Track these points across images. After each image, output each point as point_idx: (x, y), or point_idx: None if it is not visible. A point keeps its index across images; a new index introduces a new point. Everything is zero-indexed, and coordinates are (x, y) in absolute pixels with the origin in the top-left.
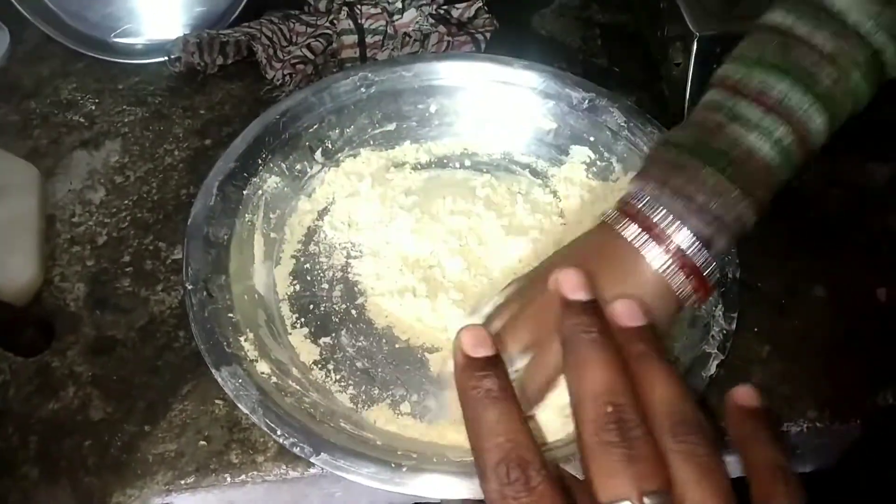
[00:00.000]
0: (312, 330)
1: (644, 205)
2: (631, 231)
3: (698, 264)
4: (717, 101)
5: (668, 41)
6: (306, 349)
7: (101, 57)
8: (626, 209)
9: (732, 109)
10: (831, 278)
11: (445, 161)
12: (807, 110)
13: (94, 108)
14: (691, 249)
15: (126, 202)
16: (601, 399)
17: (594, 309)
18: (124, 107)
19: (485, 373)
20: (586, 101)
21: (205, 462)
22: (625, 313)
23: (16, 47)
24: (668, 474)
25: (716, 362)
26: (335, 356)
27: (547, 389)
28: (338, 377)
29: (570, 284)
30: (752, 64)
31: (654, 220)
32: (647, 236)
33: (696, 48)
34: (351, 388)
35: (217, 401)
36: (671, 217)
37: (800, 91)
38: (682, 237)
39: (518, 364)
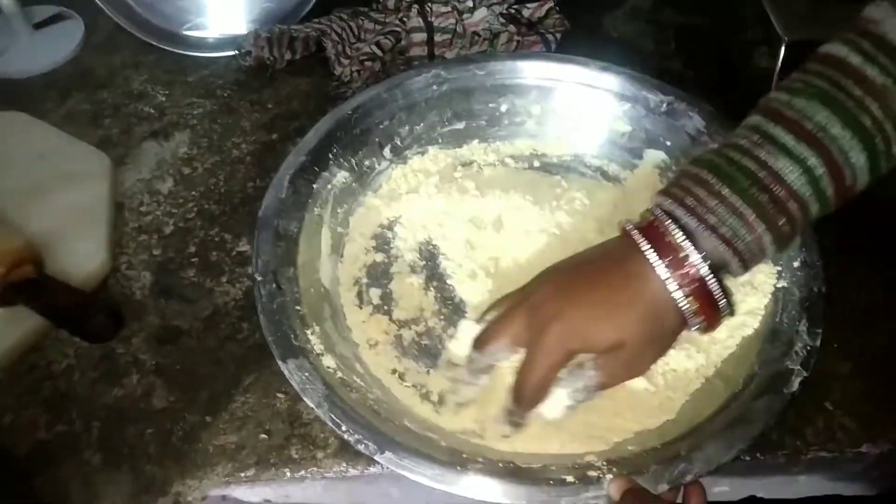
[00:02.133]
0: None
1: (660, 220)
2: (644, 246)
3: (708, 287)
4: (755, 123)
5: (751, 45)
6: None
7: (171, 49)
8: (644, 223)
9: (768, 132)
10: None
11: (514, 161)
12: (844, 144)
13: (164, 99)
14: (702, 272)
15: (193, 193)
16: None
17: None
18: (193, 99)
19: None
20: (664, 105)
21: (265, 455)
22: None
23: (89, 37)
24: None
25: (799, 379)
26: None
27: (543, 391)
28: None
29: None
30: (797, 92)
31: (667, 238)
32: (658, 253)
33: (785, 53)
34: (413, 387)
35: (279, 394)
36: (683, 235)
37: (839, 123)
38: (694, 258)
39: (507, 358)
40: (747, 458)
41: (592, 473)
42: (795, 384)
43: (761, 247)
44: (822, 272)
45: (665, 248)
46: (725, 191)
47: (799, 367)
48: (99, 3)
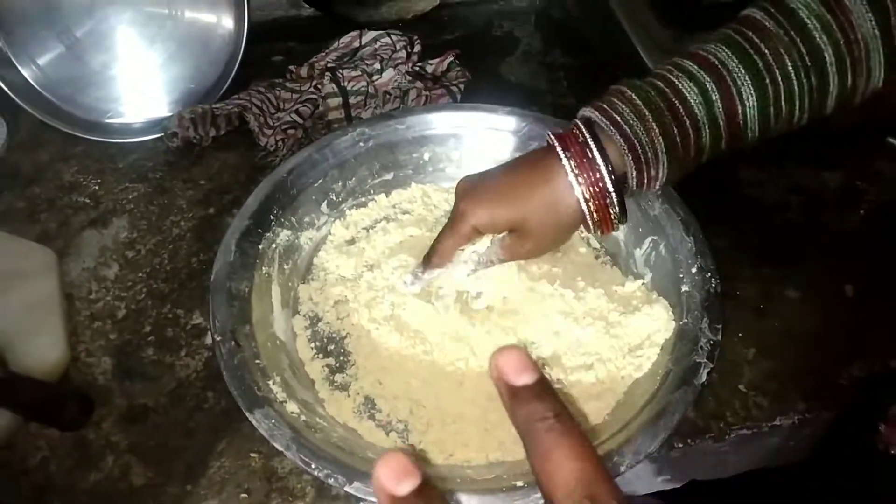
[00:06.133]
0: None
1: (577, 126)
2: (558, 147)
3: (607, 193)
4: (672, 59)
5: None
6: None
7: (98, 139)
8: (564, 133)
9: (680, 64)
10: (802, 280)
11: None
12: (738, 77)
13: (97, 187)
14: (604, 176)
15: (140, 275)
16: (577, 493)
17: (544, 390)
18: (126, 184)
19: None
20: None
21: None
22: (511, 368)
23: (13, 135)
24: None
25: (706, 370)
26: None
27: (445, 257)
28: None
29: (513, 367)
30: (710, 40)
31: (580, 139)
32: (568, 155)
33: None
34: (372, 420)
35: (252, 454)
36: (593, 141)
37: (735, 59)
38: (600, 163)
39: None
40: (680, 446)
41: None
42: (704, 375)
43: (656, 152)
44: (716, 274)
45: (576, 151)
46: (634, 97)
47: (705, 360)
48: (18, 101)
